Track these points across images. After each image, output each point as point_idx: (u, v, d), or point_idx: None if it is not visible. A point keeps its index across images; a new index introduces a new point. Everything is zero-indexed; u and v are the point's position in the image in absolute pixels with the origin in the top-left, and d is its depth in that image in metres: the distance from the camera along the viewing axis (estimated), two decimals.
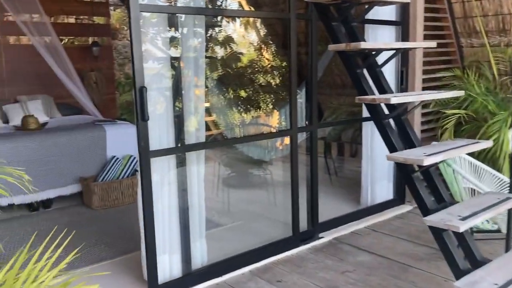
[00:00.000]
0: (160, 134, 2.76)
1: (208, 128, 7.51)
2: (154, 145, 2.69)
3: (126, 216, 4.23)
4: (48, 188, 4.47)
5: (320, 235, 3.70)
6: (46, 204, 4.57)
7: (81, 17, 7.17)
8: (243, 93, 7.32)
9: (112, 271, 3.12)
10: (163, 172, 2.83)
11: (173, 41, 2.98)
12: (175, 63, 2.94)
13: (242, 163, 5.12)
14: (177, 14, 2.89)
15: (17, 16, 5.20)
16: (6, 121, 5.41)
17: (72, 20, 7.21)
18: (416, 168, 2.63)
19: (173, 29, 2.92)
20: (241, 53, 7.85)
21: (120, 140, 4.91)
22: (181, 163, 2.98)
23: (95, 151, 4.77)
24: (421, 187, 2.61)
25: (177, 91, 2.92)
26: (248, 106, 7.02)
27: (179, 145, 2.94)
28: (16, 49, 6.03)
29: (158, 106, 2.77)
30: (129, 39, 2.47)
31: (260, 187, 4.95)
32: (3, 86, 5.85)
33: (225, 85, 7.01)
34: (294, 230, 3.52)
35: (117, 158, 4.76)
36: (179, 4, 3.40)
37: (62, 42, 7.32)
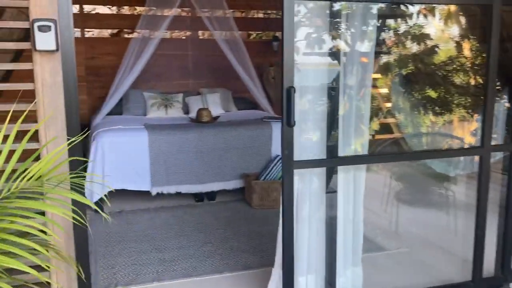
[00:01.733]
0: (309, 142, 2.39)
1: (388, 131, 6.79)
2: (301, 153, 2.34)
3: None
4: (213, 180, 4.54)
5: None
6: (210, 196, 4.64)
7: (269, 11, 7.19)
8: (427, 95, 6.38)
9: (250, 284, 2.90)
10: (310, 180, 2.45)
11: (336, 34, 2.56)
12: (336, 60, 2.51)
13: (419, 175, 4.38)
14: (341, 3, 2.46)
15: (203, 12, 5.37)
16: (187, 112, 5.70)
17: (260, 15, 7.30)
18: None
19: (336, 20, 2.49)
20: (436, 47, 6.83)
21: None
22: (334, 171, 2.56)
23: (260, 148, 4.66)
24: None
25: (334, 93, 2.49)
26: (433, 110, 6.07)
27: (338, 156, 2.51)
28: (201, 43, 6.32)
29: (309, 109, 2.39)
30: None
31: (438, 209, 4.16)
32: (188, 79, 6.21)
33: (404, 85, 6.19)
34: (475, 273, 2.80)
35: (281, 158, 4.56)
36: None
37: (251, 37, 7.49)
